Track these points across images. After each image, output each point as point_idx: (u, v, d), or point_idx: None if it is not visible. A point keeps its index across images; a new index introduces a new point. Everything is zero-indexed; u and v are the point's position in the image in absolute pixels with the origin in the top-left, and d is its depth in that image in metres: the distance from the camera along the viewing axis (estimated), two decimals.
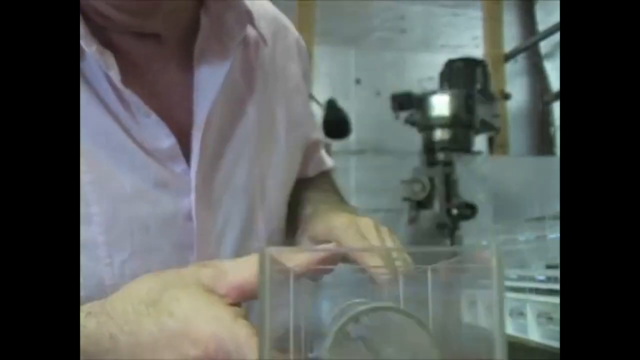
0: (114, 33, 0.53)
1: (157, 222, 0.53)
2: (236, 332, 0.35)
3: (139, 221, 0.52)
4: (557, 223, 1.05)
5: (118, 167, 0.52)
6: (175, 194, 0.54)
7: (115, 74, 0.50)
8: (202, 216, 0.55)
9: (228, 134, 0.59)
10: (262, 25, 0.63)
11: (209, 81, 0.56)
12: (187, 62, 0.57)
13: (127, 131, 0.53)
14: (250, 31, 0.61)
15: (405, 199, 1.89)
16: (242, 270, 0.40)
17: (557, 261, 1.05)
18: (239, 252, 0.57)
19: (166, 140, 0.54)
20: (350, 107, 2.19)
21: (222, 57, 0.56)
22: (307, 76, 0.72)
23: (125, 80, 0.51)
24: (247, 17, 0.59)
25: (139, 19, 0.51)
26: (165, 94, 0.56)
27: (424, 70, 2.41)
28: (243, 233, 0.59)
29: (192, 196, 0.55)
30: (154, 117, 0.53)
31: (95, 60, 0.50)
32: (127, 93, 0.51)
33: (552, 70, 2.51)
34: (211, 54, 0.56)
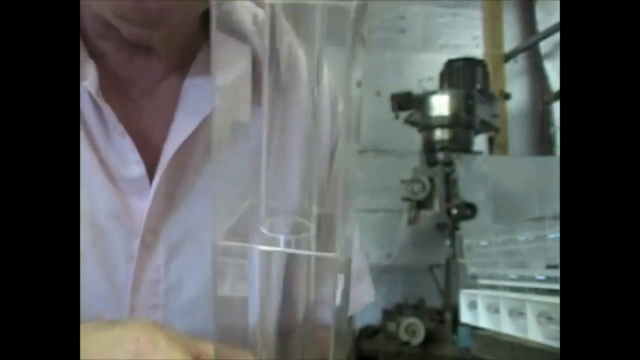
0: (106, 41, 0.49)
1: (97, 255, 0.47)
2: None
3: None
4: (557, 223, 1.05)
5: None
6: (126, 231, 0.48)
7: (91, 84, 0.46)
8: (144, 264, 0.48)
9: (194, 180, 0.51)
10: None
11: (188, 119, 0.50)
12: (177, 87, 0.52)
13: (95, 149, 0.48)
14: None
15: (405, 199, 1.89)
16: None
17: (557, 261, 1.05)
18: (196, 311, 0.50)
19: (135, 169, 0.48)
20: None
21: (208, 96, 0.50)
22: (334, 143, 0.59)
23: (107, 95, 0.47)
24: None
25: (140, 28, 0.47)
26: (147, 115, 0.51)
27: (423, 70, 2.41)
28: (204, 290, 0.51)
29: (138, 240, 0.48)
30: (128, 140, 0.47)
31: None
32: (105, 108, 0.47)
33: (552, 70, 2.51)
34: (199, 90, 0.51)
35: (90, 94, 0.47)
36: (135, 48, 0.50)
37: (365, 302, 0.63)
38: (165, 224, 0.50)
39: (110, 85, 0.48)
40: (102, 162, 0.48)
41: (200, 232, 0.51)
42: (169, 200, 0.50)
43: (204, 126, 0.49)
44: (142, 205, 0.48)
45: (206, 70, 0.51)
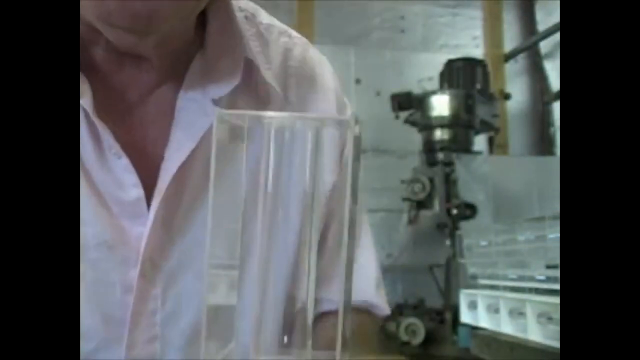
0: (96, 50, 0.46)
1: (89, 289, 0.43)
2: None
3: None
4: (557, 223, 1.05)
5: None
6: (121, 260, 0.44)
7: (87, 102, 0.43)
8: (143, 294, 0.45)
9: (196, 204, 0.47)
10: (291, 82, 0.53)
11: (186, 137, 0.46)
12: (171, 98, 0.48)
13: (88, 171, 0.44)
14: (264, 84, 0.50)
15: (405, 199, 1.89)
16: None
17: (557, 261, 1.05)
18: (192, 342, 0.47)
19: (132, 192, 0.44)
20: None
21: (205, 111, 0.46)
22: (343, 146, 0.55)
23: (100, 109, 0.43)
24: (246, 66, 0.49)
25: (127, 34, 0.42)
26: (140, 129, 0.47)
27: (423, 70, 2.41)
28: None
29: (137, 269, 0.44)
30: (124, 160, 0.44)
31: None
32: (100, 126, 0.43)
33: (552, 70, 2.51)
34: (194, 104, 0.47)
35: (83, 111, 0.43)
36: (125, 56, 0.46)
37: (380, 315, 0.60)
38: (163, 251, 0.46)
39: (100, 99, 0.44)
40: (93, 186, 0.44)
41: (198, 256, 0.46)
42: (166, 226, 0.46)
43: (202, 144, 0.45)
44: (137, 230, 0.45)
45: (201, 79, 0.48)
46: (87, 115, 0.43)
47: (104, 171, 0.44)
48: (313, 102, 0.55)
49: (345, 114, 0.57)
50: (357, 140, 0.28)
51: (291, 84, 0.54)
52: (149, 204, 0.45)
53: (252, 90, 0.50)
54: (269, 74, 0.50)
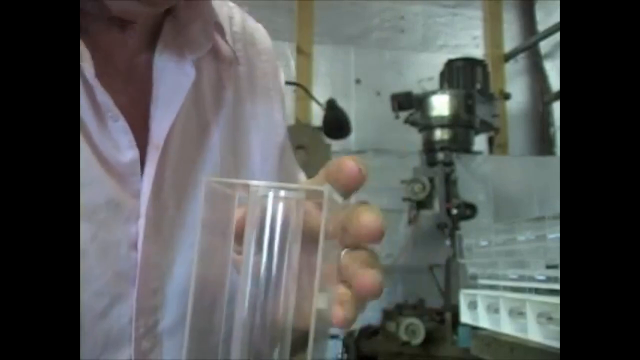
0: (85, 15, 0.46)
1: (98, 248, 0.45)
2: None
3: None
4: (557, 223, 1.05)
5: None
6: (125, 218, 0.47)
7: (88, 67, 0.44)
8: (148, 247, 0.48)
9: (189, 156, 0.52)
10: (239, 46, 0.59)
11: (170, 96, 0.49)
12: (149, 61, 0.51)
13: (88, 136, 0.46)
14: (224, 46, 0.56)
15: (405, 199, 1.89)
16: None
17: (557, 261, 1.05)
18: (186, 293, 0.50)
19: (128, 153, 0.47)
20: (350, 107, 2.19)
21: (184, 71, 0.50)
22: (283, 102, 0.64)
23: (97, 73, 0.45)
24: (217, 30, 0.53)
25: (142, 5, 0.45)
26: (128, 91, 0.49)
27: (423, 70, 2.41)
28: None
29: (141, 222, 0.47)
30: (121, 122, 0.46)
31: None
32: (99, 91, 0.45)
33: (552, 70, 2.51)
34: (172, 65, 0.50)
35: (82, 76, 0.44)
36: (112, 21, 0.47)
37: None
38: (160, 208, 0.49)
39: (97, 62, 0.45)
40: (97, 152, 0.46)
41: (192, 211, 0.51)
42: (158, 185, 0.49)
43: (186, 102, 0.49)
44: (135, 188, 0.47)
45: (175, 41, 0.51)
46: (85, 80, 0.44)
47: (104, 136, 0.46)
48: (258, 62, 0.61)
49: (279, 72, 0.64)
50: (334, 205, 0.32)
51: (238, 47, 0.59)
52: (142, 163, 0.48)
53: (212, 52, 0.54)
54: (229, 38, 0.56)
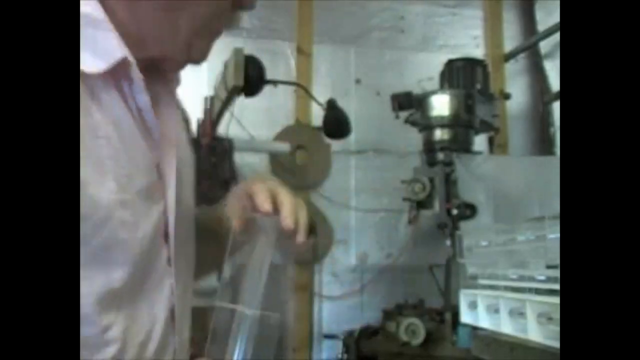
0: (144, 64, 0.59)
1: (149, 219, 0.59)
2: None
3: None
4: (557, 223, 1.05)
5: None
6: (157, 197, 0.61)
7: (147, 102, 0.59)
8: (159, 227, 0.61)
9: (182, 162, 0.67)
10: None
11: (170, 120, 0.65)
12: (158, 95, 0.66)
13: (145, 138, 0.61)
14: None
15: (405, 199, 1.89)
16: None
17: (557, 261, 1.05)
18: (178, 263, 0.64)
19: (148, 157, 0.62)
20: (350, 107, 2.19)
21: (172, 103, 0.67)
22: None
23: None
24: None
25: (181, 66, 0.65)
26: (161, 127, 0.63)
27: (423, 70, 2.41)
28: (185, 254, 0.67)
29: (171, 216, 0.62)
30: (156, 134, 0.61)
31: (134, 85, 0.57)
32: (151, 120, 0.60)
33: (552, 70, 2.51)
34: (163, 95, 0.66)
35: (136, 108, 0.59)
36: (148, 68, 0.60)
37: None
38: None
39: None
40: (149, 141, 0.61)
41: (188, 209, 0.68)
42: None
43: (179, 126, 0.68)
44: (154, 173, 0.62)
45: (160, 80, 0.66)
46: (140, 113, 0.60)
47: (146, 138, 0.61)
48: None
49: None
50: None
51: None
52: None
53: (175, 79, 0.71)
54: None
